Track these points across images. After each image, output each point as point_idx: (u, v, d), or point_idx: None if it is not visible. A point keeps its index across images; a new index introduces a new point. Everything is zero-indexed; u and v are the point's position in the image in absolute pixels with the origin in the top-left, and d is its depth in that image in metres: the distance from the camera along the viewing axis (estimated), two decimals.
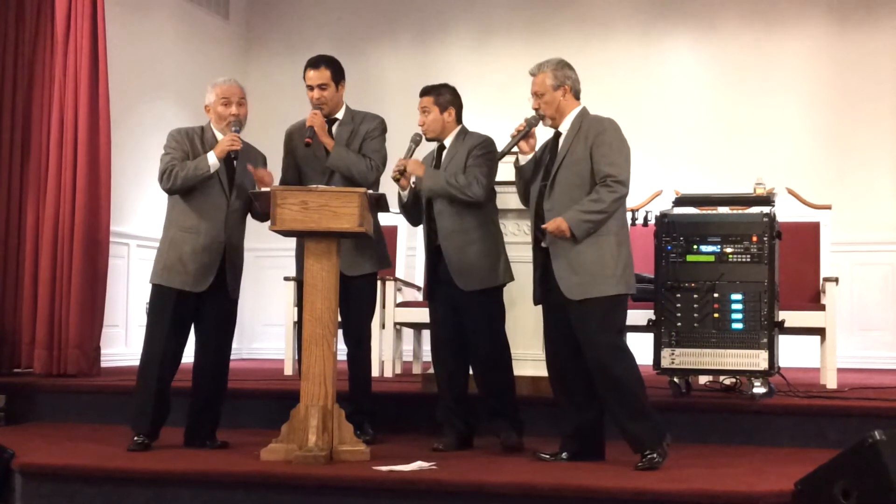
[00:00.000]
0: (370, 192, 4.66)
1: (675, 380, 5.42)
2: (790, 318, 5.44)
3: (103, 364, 6.81)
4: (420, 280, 6.96)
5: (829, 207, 6.53)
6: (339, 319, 4.75)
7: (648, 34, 8.82)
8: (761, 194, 5.56)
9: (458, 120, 5.05)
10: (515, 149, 4.62)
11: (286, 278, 6.49)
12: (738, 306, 5.12)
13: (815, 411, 5.07)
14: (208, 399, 4.97)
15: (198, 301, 4.89)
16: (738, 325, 5.12)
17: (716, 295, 5.15)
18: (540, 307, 4.63)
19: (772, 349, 5.13)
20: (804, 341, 6.74)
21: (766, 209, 5.30)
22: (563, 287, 4.39)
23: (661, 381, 5.44)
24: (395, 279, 6.78)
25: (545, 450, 4.56)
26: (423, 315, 5.71)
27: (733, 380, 5.59)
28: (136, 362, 4.97)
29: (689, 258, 5.19)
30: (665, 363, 5.21)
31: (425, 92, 5.02)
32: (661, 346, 5.21)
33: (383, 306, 6.55)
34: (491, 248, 4.91)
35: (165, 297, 4.87)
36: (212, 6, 9.09)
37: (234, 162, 4.93)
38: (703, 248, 5.19)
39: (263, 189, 4.79)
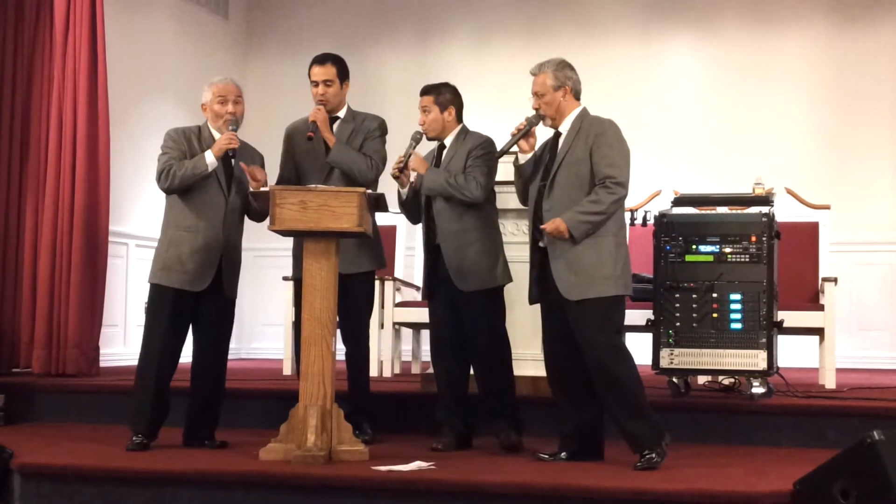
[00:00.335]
0: (369, 191, 4.66)
1: (674, 380, 5.41)
2: (789, 318, 5.44)
3: (102, 364, 6.81)
4: (419, 280, 6.96)
5: (828, 207, 6.53)
6: (338, 319, 4.75)
7: (648, 34, 8.82)
8: (760, 194, 5.56)
9: (459, 119, 5.05)
10: (515, 147, 4.63)
11: (285, 278, 6.48)
12: (737, 306, 5.12)
13: (815, 411, 5.07)
14: (207, 399, 4.97)
15: (196, 300, 4.90)
16: (737, 325, 5.12)
17: (715, 295, 5.15)
18: (539, 307, 4.63)
19: (771, 349, 5.13)
20: (803, 341, 6.74)
21: (764, 209, 5.30)
22: (562, 287, 4.39)
23: (659, 381, 5.44)
24: (394, 279, 6.78)
25: (544, 450, 4.56)
26: (421, 315, 5.72)
27: (732, 380, 5.59)
28: (135, 362, 4.97)
29: (688, 258, 5.19)
30: (664, 363, 5.21)
31: (426, 91, 5.02)
32: (660, 346, 5.21)
33: (382, 306, 6.56)
34: (490, 248, 4.91)
35: (164, 296, 4.87)
36: (211, 6, 9.09)
37: (232, 161, 4.94)
38: (702, 248, 5.19)
39: (262, 189, 4.79)
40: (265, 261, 8.56)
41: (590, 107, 4.61)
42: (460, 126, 5.04)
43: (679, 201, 5.61)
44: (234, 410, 5.30)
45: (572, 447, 4.52)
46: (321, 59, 5.15)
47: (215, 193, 4.91)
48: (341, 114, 5.19)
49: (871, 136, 8.33)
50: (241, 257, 5.07)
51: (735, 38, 8.65)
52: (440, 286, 4.94)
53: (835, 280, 6.01)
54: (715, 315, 5.14)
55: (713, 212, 5.72)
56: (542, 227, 4.40)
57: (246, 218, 5.10)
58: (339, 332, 4.86)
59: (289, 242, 5.19)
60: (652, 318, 5.26)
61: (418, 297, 6.86)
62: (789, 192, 6.64)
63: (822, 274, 6.27)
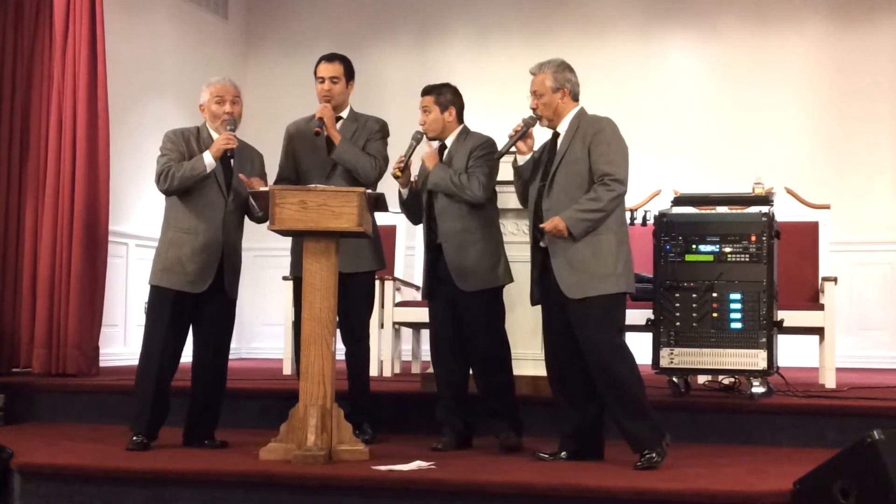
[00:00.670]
0: (369, 191, 4.67)
1: (674, 379, 5.41)
2: (789, 317, 5.44)
3: (102, 364, 6.81)
4: (419, 280, 6.96)
5: (827, 207, 6.54)
6: (337, 318, 4.75)
7: (648, 34, 8.83)
8: (760, 194, 5.56)
9: (460, 120, 5.05)
10: (513, 149, 4.63)
11: (285, 278, 6.49)
12: (737, 306, 5.13)
13: (814, 411, 5.07)
14: (207, 399, 4.97)
15: (196, 301, 4.89)
16: (737, 325, 5.13)
17: (714, 294, 5.15)
18: (539, 307, 4.63)
19: (771, 349, 5.13)
20: (803, 341, 6.75)
21: (764, 209, 5.30)
22: (563, 286, 4.38)
23: (660, 380, 5.44)
24: (394, 279, 6.78)
25: (544, 449, 4.56)
26: (422, 315, 5.72)
27: (732, 379, 5.59)
28: (135, 362, 4.97)
29: (688, 258, 5.19)
30: (664, 363, 5.21)
31: (426, 91, 5.03)
32: (660, 346, 5.22)
33: (382, 306, 6.56)
34: (491, 249, 4.91)
35: (164, 298, 4.87)
36: (211, 6, 9.09)
37: (231, 161, 4.94)
38: (702, 247, 5.19)
39: (262, 189, 4.79)
40: (265, 261, 8.56)
41: (590, 107, 4.61)
42: (461, 126, 5.04)
43: (679, 201, 5.61)
44: (234, 410, 5.30)
45: (572, 447, 4.52)
46: (329, 57, 5.19)
47: (215, 195, 4.91)
48: (344, 114, 5.20)
49: (871, 136, 8.34)
50: (241, 258, 5.07)
51: (735, 38, 8.66)
52: (441, 286, 4.94)
53: (835, 280, 6.01)
54: (715, 315, 5.14)
55: (713, 211, 5.72)
56: (541, 226, 4.40)
57: (246, 218, 5.09)
58: (338, 331, 4.87)
59: (289, 242, 5.19)
60: (652, 317, 5.26)
61: (418, 296, 6.86)
62: (789, 191, 6.65)
63: (821, 273, 6.27)
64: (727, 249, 5.17)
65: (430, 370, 5.20)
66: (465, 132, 5.03)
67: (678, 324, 5.18)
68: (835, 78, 8.45)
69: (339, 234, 4.59)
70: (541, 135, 4.64)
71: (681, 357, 5.19)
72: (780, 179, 6.75)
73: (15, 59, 6.75)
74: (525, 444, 4.81)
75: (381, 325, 6.63)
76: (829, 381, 5.89)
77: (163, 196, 5.00)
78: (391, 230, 7.01)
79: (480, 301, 4.85)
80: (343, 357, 5.09)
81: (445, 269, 4.89)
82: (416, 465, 4.31)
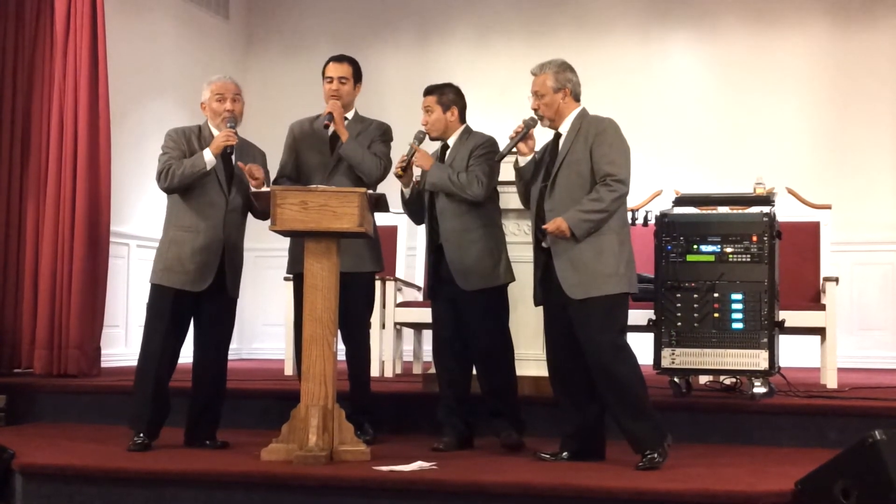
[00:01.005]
0: (370, 192, 4.67)
1: (676, 380, 5.41)
2: (790, 317, 5.44)
3: (103, 364, 6.81)
4: (420, 280, 6.97)
5: (829, 207, 6.54)
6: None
7: (648, 34, 8.83)
8: (761, 194, 5.56)
9: (462, 120, 5.05)
10: (515, 150, 4.63)
11: (286, 278, 6.49)
12: (739, 306, 5.12)
13: (816, 411, 5.07)
14: (208, 399, 4.97)
15: (197, 300, 4.89)
16: (739, 325, 5.12)
17: (716, 295, 5.15)
18: (541, 307, 4.63)
19: (772, 349, 5.13)
20: (804, 341, 6.74)
21: (766, 209, 5.30)
22: (565, 286, 4.38)
23: (661, 380, 5.44)
24: (396, 279, 6.78)
25: (546, 449, 4.56)
26: (423, 315, 5.72)
27: (733, 379, 5.59)
28: (136, 362, 4.97)
29: (690, 258, 5.19)
30: (665, 363, 5.21)
31: (429, 91, 5.03)
32: (662, 346, 5.21)
33: (383, 306, 6.56)
34: (492, 248, 4.91)
35: (164, 296, 4.87)
36: (212, 6, 9.09)
37: (233, 159, 4.94)
38: (703, 247, 5.19)
39: (263, 189, 4.79)
40: (266, 261, 8.56)
41: (590, 107, 4.61)
42: (464, 126, 5.05)
43: (680, 201, 5.61)
44: (235, 411, 5.30)
45: (574, 447, 4.52)
46: (338, 58, 5.22)
47: (216, 193, 4.91)
48: (350, 115, 5.21)
49: (872, 136, 8.34)
50: (242, 257, 5.07)
51: (735, 38, 8.66)
52: (443, 286, 4.94)
53: (836, 280, 6.01)
54: (716, 315, 5.14)
55: (714, 212, 5.72)
56: (543, 226, 4.40)
57: (249, 217, 5.10)
58: (339, 331, 4.86)
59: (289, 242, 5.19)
60: (653, 317, 5.26)
61: (419, 297, 6.88)
62: (790, 191, 6.65)
63: (823, 273, 6.27)
64: (728, 250, 5.16)
65: (432, 371, 5.20)
66: (468, 132, 5.03)
67: (679, 324, 5.18)
68: (835, 77, 8.45)
69: (339, 234, 4.59)
70: (542, 135, 4.63)
71: (682, 357, 5.19)
72: (781, 179, 6.75)
73: (16, 60, 6.76)
74: (526, 445, 4.81)
75: (383, 326, 6.63)
76: (831, 382, 5.89)
77: (164, 196, 5.00)
78: (392, 230, 7.01)
79: (482, 300, 4.85)
80: (344, 357, 5.08)
81: (447, 269, 4.88)
82: (418, 465, 4.31)
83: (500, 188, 5.06)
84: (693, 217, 5.37)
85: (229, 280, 4.92)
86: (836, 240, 6.77)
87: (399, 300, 6.75)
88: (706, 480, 4.03)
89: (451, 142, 5.02)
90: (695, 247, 5.20)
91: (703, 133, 8.56)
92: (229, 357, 5.10)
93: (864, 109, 8.36)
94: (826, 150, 8.39)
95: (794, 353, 6.85)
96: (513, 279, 4.96)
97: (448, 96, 5.00)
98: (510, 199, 5.05)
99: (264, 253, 8.25)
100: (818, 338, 6.16)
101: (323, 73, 5.21)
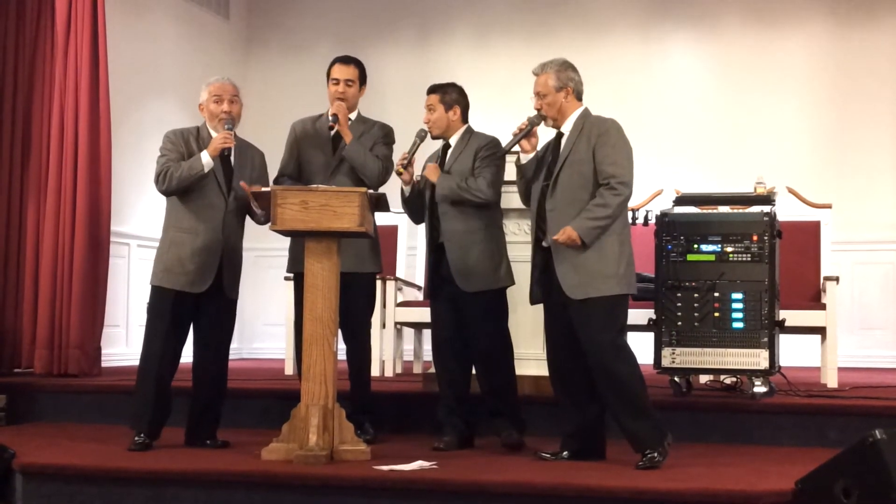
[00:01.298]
0: (370, 191, 4.67)
1: (676, 379, 5.41)
2: (791, 317, 5.44)
3: (104, 364, 6.81)
4: (420, 279, 6.96)
5: (829, 206, 6.54)
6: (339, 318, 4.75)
7: (648, 34, 8.83)
8: (762, 193, 5.56)
9: (464, 119, 5.05)
10: (517, 147, 4.63)
11: (286, 278, 6.49)
12: (739, 305, 5.12)
13: (816, 410, 5.07)
14: (209, 399, 4.97)
15: (197, 301, 4.90)
16: (739, 325, 5.12)
17: (716, 294, 5.15)
18: (541, 306, 4.63)
19: (772, 348, 5.13)
20: (805, 340, 6.74)
21: (766, 208, 5.30)
22: (565, 286, 4.38)
23: (661, 380, 5.44)
24: (396, 279, 6.78)
25: (546, 449, 4.56)
26: (423, 314, 5.71)
27: (734, 379, 5.59)
28: (137, 362, 4.97)
29: (690, 257, 5.19)
30: (665, 362, 5.21)
31: (431, 90, 5.03)
32: (662, 346, 5.21)
33: (384, 306, 6.55)
34: (493, 250, 4.90)
35: (164, 298, 4.87)
36: (212, 6, 9.09)
37: (232, 161, 4.94)
38: (704, 247, 5.19)
39: (263, 189, 4.79)
40: (266, 261, 8.56)
41: (590, 106, 4.61)
42: (466, 126, 5.05)
43: (680, 200, 5.61)
44: (235, 410, 5.30)
45: (574, 446, 4.52)
46: (345, 60, 5.20)
47: (215, 195, 4.91)
48: (353, 116, 5.21)
49: (872, 135, 8.34)
50: (242, 258, 5.07)
51: (736, 38, 8.66)
52: (443, 285, 4.94)
53: (836, 279, 6.01)
54: (717, 314, 5.14)
55: (715, 211, 5.72)
56: (554, 238, 4.38)
57: (248, 218, 5.10)
58: (339, 331, 4.86)
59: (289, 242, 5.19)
60: (654, 317, 5.26)
61: (420, 296, 6.88)
62: (791, 191, 6.65)
63: (823, 273, 6.27)
64: (729, 249, 5.16)
65: (432, 370, 5.20)
66: (470, 132, 5.03)
67: (680, 323, 5.18)
68: (836, 77, 8.45)
69: (340, 234, 4.59)
70: (545, 134, 4.63)
71: (682, 357, 5.19)
72: (782, 179, 6.75)
73: (16, 60, 6.76)
74: (527, 444, 4.81)
75: (383, 325, 6.63)
76: (831, 381, 5.89)
77: (164, 196, 5.00)
78: (392, 230, 7.01)
79: (482, 302, 4.85)
80: (344, 357, 5.08)
81: (448, 269, 4.88)
82: (418, 464, 4.31)
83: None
84: (693, 216, 5.38)
85: (228, 281, 4.92)
86: (836, 239, 6.77)
87: (399, 300, 6.75)
88: (706, 480, 4.03)
89: (452, 141, 5.03)
90: (695, 246, 5.20)
91: (703, 133, 8.56)
92: (230, 357, 5.10)
93: (864, 109, 8.36)
94: (826, 150, 8.39)
95: (795, 352, 6.85)
96: (512, 283, 4.96)
97: (451, 95, 5.00)
98: (511, 198, 5.05)
99: (264, 253, 8.26)
100: (818, 337, 6.16)
101: (328, 73, 5.20)
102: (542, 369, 5.05)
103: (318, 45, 9.11)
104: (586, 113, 4.57)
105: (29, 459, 4.51)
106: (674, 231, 5.22)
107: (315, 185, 4.74)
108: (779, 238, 5.24)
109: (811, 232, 6.41)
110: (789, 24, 8.59)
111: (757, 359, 5.12)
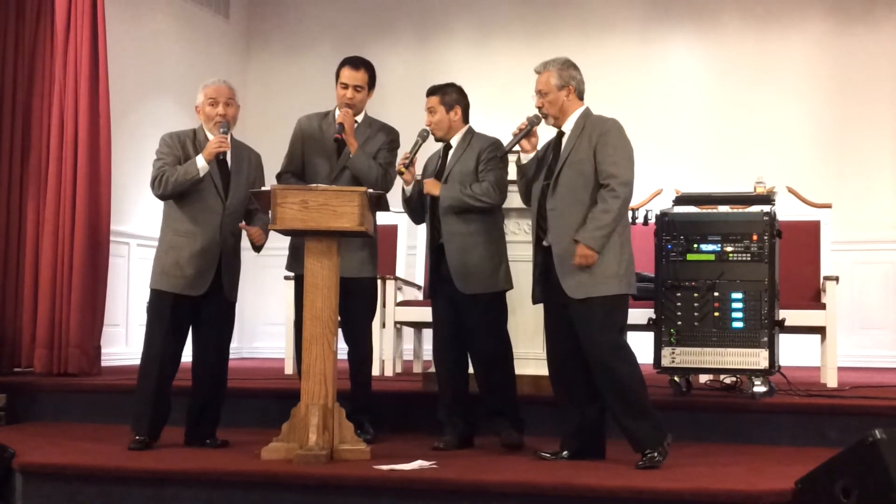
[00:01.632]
0: (370, 191, 4.66)
1: (676, 379, 5.41)
2: (790, 316, 5.44)
3: (104, 363, 6.81)
4: (420, 279, 6.96)
5: (829, 206, 6.54)
6: (339, 319, 4.75)
7: (648, 34, 8.83)
8: (761, 193, 5.56)
9: (465, 119, 5.05)
10: (517, 147, 4.63)
11: (286, 277, 6.49)
12: (739, 305, 5.13)
13: (816, 410, 5.07)
14: (208, 400, 4.97)
15: (196, 303, 4.90)
16: (739, 324, 5.12)
17: (716, 294, 5.15)
18: (541, 306, 4.63)
19: (772, 348, 5.13)
20: (804, 340, 6.74)
21: (766, 208, 5.30)
22: (566, 286, 4.38)
23: (661, 380, 5.44)
24: (396, 278, 6.78)
25: (546, 449, 4.56)
26: (423, 314, 5.72)
27: (734, 379, 5.59)
28: (137, 361, 4.98)
29: (690, 257, 5.19)
30: (665, 362, 5.21)
31: (431, 92, 5.02)
32: (662, 345, 5.22)
33: (384, 305, 6.55)
34: (493, 252, 4.90)
35: (163, 301, 4.87)
36: (212, 6, 9.09)
37: (228, 164, 4.93)
38: (704, 246, 5.19)
39: (263, 189, 4.78)
40: (266, 260, 8.46)
41: (591, 106, 4.61)
42: (467, 127, 5.04)
43: (680, 200, 5.61)
44: (235, 410, 5.30)
45: (574, 446, 4.52)
46: (356, 64, 5.14)
47: (212, 198, 4.90)
48: (359, 118, 5.18)
49: (872, 135, 8.35)
50: (240, 260, 5.06)
51: (736, 38, 8.66)
52: (443, 285, 4.94)
53: (836, 279, 6.01)
54: (716, 314, 5.15)
55: (715, 211, 5.72)
56: (574, 262, 4.35)
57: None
58: (340, 332, 4.86)
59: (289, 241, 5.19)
60: (653, 317, 5.26)
61: (420, 296, 6.87)
62: (790, 190, 6.65)
63: (823, 273, 6.27)
64: (729, 249, 5.16)
65: (432, 370, 5.20)
66: (471, 133, 5.02)
67: (680, 323, 5.18)
68: (836, 77, 8.45)
69: (340, 233, 4.59)
70: (546, 133, 4.63)
71: (682, 356, 5.19)
72: (782, 178, 6.75)
73: (16, 59, 6.75)
74: (526, 444, 4.81)
75: (383, 325, 6.62)
76: (831, 381, 5.89)
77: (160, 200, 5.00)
78: (392, 230, 7.01)
79: (481, 303, 4.85)
80: (344, 357, 5.08)
81: (448, 268, 4.88)
82: (418, 464, 4.31)
83: None
84: (693, 216, 5.38)
85: (226, 284, 4.92)
86: (836, 239, 6.77)
87: (399, 299, 6.75)
88: (706, 479, 4.03)
89: (454, 142, 5.02)
90: (695, 246, 5.20)
91: (703, 132, 8.57)
92: (229, 357, 5.10)
93: (864, 109, 8.36)
94: (826, 150, 8.40)
95: (795, 352, 6.85)
96: (511, 287, 4.95)
97: (451, 96, 4.99)
98: (511, 198, 5.05)
99: (264, 253, 8.11)
100: (818, 337, 6.16)
101: (337, 74, 5.14)
102: (541, 369, 5.05)
103: (319, 45, 9.12)
104: (587, 112, 4.57)
105: (29, 459, 4.51)
106: (674, 231, 5.22)
107: (315, 185, 4.73)
108: (779, 238, 5.24)
109: (811, 232, 6.41)
110: (789, 23, 8.60)
111: (757, 358, 5.12)
